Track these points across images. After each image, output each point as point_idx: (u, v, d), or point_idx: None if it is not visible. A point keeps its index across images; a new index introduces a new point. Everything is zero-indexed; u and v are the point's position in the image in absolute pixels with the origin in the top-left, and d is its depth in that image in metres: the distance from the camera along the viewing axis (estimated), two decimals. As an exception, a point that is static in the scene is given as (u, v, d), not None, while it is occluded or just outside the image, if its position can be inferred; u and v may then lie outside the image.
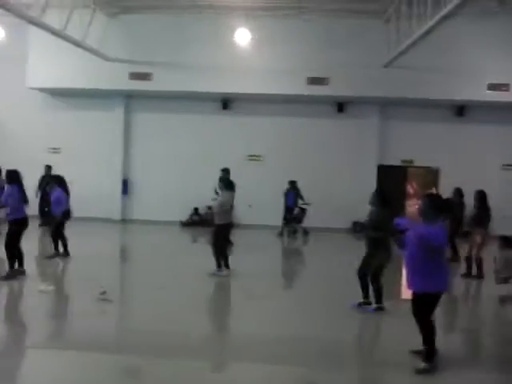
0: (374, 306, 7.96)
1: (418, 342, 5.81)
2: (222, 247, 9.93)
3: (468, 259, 10.74)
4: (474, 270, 10.62)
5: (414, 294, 5.74)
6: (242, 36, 15.38)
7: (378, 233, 7.64)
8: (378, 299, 7.95)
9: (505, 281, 8.91)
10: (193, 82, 16.03)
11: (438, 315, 5.98)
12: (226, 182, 10.41)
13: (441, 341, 5.87)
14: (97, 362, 5.78)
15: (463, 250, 11.35)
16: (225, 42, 15.68)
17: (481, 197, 10.75)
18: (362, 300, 8.06)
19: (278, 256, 13.60)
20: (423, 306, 5.67)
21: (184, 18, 16.16)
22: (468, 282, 10.60)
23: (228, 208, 9.99)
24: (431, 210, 5.57)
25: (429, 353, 5.72)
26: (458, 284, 10.44)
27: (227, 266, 9.88)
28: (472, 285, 10.54)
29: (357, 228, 15.94)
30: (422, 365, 5.67)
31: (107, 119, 17.63)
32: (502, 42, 15.52)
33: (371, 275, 7.91)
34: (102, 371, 5.52)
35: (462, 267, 10.91)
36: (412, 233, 5.58)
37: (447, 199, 11.40)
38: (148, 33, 16.36)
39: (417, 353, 5.94)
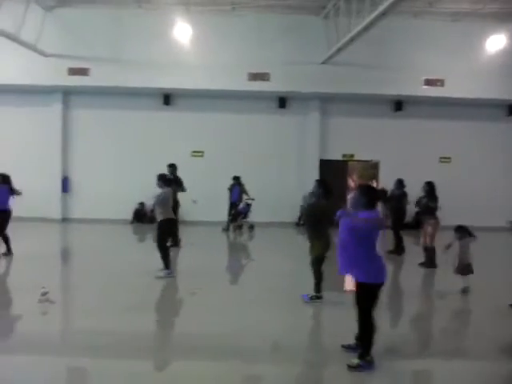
0: (310, 294, 8.09)
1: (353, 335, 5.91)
2: (162, 246, 9.76)
3: (425, 249, 11.07)
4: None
5: (357, 284, 5.61)
6: (182, 31, 15.24)
7: (318, 222, 7.83)
8: (317, 288, 8.09)
9: (463, 270, 9.02)
10: (132, 77, 15.82)
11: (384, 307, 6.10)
12: (163, 178, 10.18)
13: (385, 333, 5.98)
14: (41, 365, 5.63)
15: (418, 240, 11.68)
16: (164, 37, 15.50)
17: (430, 187, 11.12)
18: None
19: (223, 251, 13.56)
20: (364, 297, 5.59)
21: (123, 13, 15.93)
22: (422, 272, 10.82)
23: (166, 203, 9.81)
24: (363, 201, 5.59)
25: (364, 349, 5.63)
26: (410, 274, 10.87)
27: (168, 266, 9.72)
28: (426, 275, 10.72)
29: (300, 220, 16.20)
30: (356, 361, 5.58)
31: (45, 116, 17.14)
32: (436, 39, 16.05)
33: (311, 264, 8.04)
34: (46, 374, 5.40)
35: (421, 256, 11.17)
36: (345, 221, 5.57)
37: (381, 190, 11.75)
38: (86, 27, 15.99)
39: (347, 347, 5.99)
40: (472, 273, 8.92)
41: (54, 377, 5.38)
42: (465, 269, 8.92)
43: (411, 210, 13.37)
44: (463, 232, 9.10)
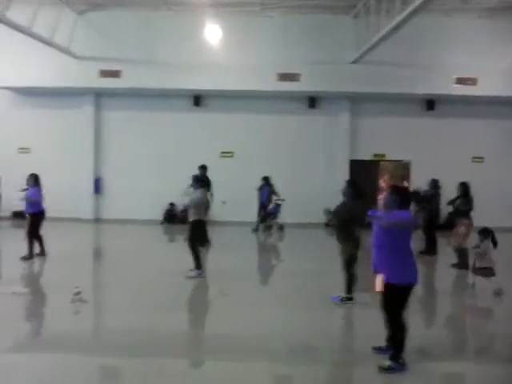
0: (341, 295, 8.04)
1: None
2: (194, 246, 9.83)
3: (456, 250, 10.89)
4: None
5: (385, 285, 5.56)
6: (212, 32, 15.29)
7: (348, 224, 7.78)
8: (348, 289, 8.03)
9: (481, 272, 8.95)
10: (163, 78, 15.96)
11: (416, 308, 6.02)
12: (197, 180, 10.32)
13: (417, 334, 5.90)
14: (73, 363, 5.72)
15: (450, 240, 11.46)
16: (195, 39, 15.54)
17: (464, 188, 10.97)
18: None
19: (253, 252, 13.57)
20: (392, 299, 5.54)
21: (153, 15, 16.10)
22: (454, 273, 10.65)
23: (200, 205, 9.91)
24: (395, 202, 5.52)
25: (395, 351, 5.56)
26: (442, 275, 10.78)
27: (199, 266, 9.79)
28: (458, 276, 10.50)
29: (328, 219, 16.13)
30: (387, 363, 5.52)
31: (77, 118, 17.41)
32: (469, 37, 15.82)
33: (342, 264, 7.99)
34: (79, 372, 5.48)
35: (454, 257, 11.00)
36: (380, 220, 5.52)
37: (413, 191, 11.60)
38: (117, 30, 16.21)
39: (377, 349, 5.92)
40: (493, 275, 8.81)
41: (86, 375, 5.46)
42: (484, 271, 8.85)
43: (444, 210, 13.18)
44: (484, 234, 9.01)
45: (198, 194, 9.87)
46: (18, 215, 15.63)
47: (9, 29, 12.66)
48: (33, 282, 9.74)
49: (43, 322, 7.52)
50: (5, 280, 9.20)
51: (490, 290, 8.83)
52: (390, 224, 5.42)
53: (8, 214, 16.54)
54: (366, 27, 14.34)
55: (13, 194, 12.25)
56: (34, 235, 11.05)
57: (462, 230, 10.70)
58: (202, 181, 10.43)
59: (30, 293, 8.59)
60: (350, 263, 7.93)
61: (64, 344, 6.26)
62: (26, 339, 6.61)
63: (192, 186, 10.04)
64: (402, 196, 5.59)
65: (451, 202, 11.26)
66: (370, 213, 5.84)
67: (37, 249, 11.17)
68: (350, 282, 8.01)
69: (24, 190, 11.04)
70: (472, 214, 10.87)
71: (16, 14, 12.32)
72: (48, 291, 9.04)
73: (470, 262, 9.56)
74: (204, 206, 10.05)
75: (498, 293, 8.75)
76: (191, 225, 9.86)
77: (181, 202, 14.40)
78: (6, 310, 7.56)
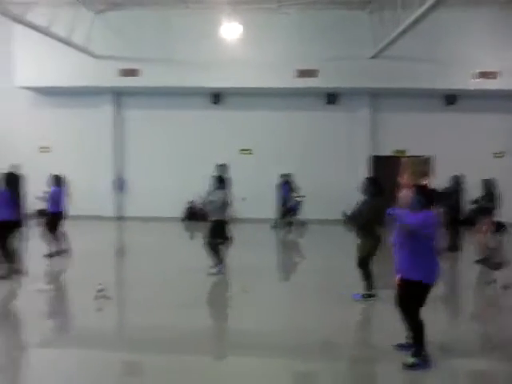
0: (361, 292, 8.02)
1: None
2: (214, 244, 9.85)
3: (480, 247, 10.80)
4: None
5: (401, 281, 5.57)
6: (230, 30, 15.28)
7: (366, 220, 7.73)
8: (368, 286, 8.00)
9: (499, 266, 8.98)
10: (182, 77, 16.01)
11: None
12: (218, 180, 10.31)
13: (440, 330, 5.86)
14: (97, 360, 5.79)
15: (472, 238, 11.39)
16: (212, 37, 15.53)
17: (487, 185, 10.86)
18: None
19: (273, 249, 13.58)
20: (409, 296, 5.52)
21: (171, 13, 16.13)
22: (477, 269, 10.46)
23: (220, 205, 9.90)
24: (419, 203, 5.48)
25: (417, 348, 5.53)
26: (466, 271, 10.70)
27: (219, 261, 9.79)
28: (482, 272, 10.28)
29: (344, 218, 15.99)
30: (411, 360, 5.50)
31: (97, 117, 17.56)
32: (488, 30, 15.61)
33: (359, 262, 7.95)
34: (103, 368, 5.55)
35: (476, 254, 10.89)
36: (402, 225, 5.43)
37: (434, 190, 11.48)
38: (135, 29, 16.29)
39: (399, 346, 5.90)
40: (501, 267, 9.04)
41: (109, 371, 5.52)
42: (497, 265, 9.06)
43: (467, 206, 13.01)
44: (496, 229, 9.04)
45: (219, 194, 9.86)
46: (41, 213, 15.76)
47: (28, 30, 12.82)
48: (56, 279, 9.86)
49: (67, 319, 7.60)
50: (29, 277, 9.30)
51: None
52: (414, 229, 5.34)
53: (31, 211, 16.68)
54: (382, 22, 14.22)
55: (35, 193, 12.36)
56: (52, 232, 11.16)
57: (485, 228, 10.61)
58: (222, 181, 10.42)
59: (54, 290, 8.72)
60: (365, 260, 7.90)
61: (88, 340, 6.35)
62: (52, 335, 6.73)
63: (215, 186, 10.00)
64: (426, 196, 5.54)
65: (476, 202, 11.14)
66: (389, 211, 5.79)
67: (61, 246, 11.29)
68: (369, 279, 7.99)
69: (46, 191, 11.19)
70: (495, 211, 10.72)
71: (35, 15, 12.46)
72: (71, 288, 9.17)
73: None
74: (225, 206, 10.01)
75: (507, 286, 8.75)
76: (212, 225, 9.86)
77: (199, 200, 14.47)
78: (32, 306, 7.69)
